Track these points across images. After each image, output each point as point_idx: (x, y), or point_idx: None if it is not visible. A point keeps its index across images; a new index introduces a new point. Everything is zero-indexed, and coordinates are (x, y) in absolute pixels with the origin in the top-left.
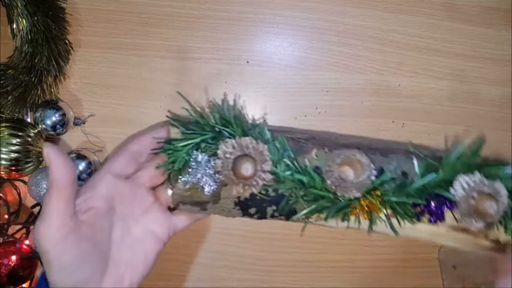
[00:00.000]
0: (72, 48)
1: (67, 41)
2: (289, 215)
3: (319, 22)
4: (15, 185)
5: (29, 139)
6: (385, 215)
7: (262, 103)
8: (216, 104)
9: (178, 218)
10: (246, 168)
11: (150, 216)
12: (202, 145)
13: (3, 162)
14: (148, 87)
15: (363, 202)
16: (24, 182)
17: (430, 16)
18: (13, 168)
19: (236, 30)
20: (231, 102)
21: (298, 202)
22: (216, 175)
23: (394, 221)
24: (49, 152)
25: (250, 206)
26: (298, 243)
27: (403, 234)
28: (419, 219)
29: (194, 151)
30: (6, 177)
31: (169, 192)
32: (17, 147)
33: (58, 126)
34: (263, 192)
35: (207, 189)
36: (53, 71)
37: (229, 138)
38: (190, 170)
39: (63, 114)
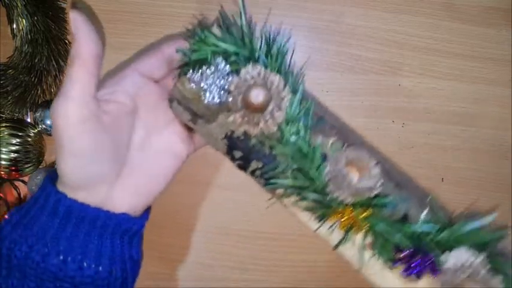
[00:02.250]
0: None
1: (67, 41)
2: (269, 182)
3: (319, 22)
4: (15, 185)
5: (29, 139)
6: (362, 240)
7: None
8: (267, 32)
9: (197, 137)
10: (257, 95)
11: (172, 130)
12: (232, 58)
13: (3, 162)
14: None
15: (347, 212)
16: (24, 182)
17: (430, 16)
18: (13, 168)
19: None
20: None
21: (286, 173)
22: (225, 92)
23: (367, 253)
24: (76, 18)
25: (238, 148)
26: (298, 243)
27: (366, 272)
28: (391, 267)
29: (220, 57)
30: (6, 177)
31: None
32: (17, 147)
33: None
34: (258, 142)
35: (208, 98)
36: (53, 71)
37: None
38: (205, 70)
39: None
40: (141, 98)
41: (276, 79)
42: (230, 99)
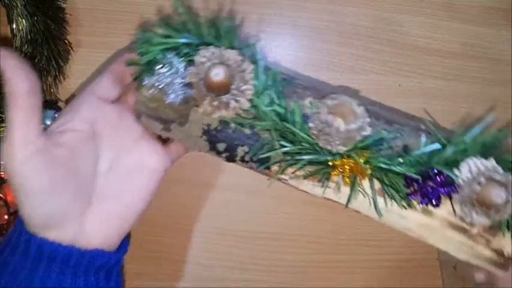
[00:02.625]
0: (72, 49)
1: (67, 41)
2: (261, 162)
3: (319, 22)
4: None
5: None
6: (370, 188)
7: None
8: (212, 14)
9: (172, 148)
10: (217, 73)
11: (143, 146)
12: (184, 51)
13: (2, 162)
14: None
15: (346, 162)
16: None
17: (430, 16)
18: None
19: None
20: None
21: (274, 146)
22: (187, 87)
23: (380, 200)
24: (4, 55)
25: (220, 140)
26: (298, 243)
27: (387, 219)
28: (409, 204)
29: (171, 53)
30: (6, 177)
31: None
32: None
33: None
34: (237, 125)
35: (171, 97)
36: (53, 71)
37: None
38: (159, 71)
39: None
40: (101, 121)
41: (232, 54)
42: (194, 91)
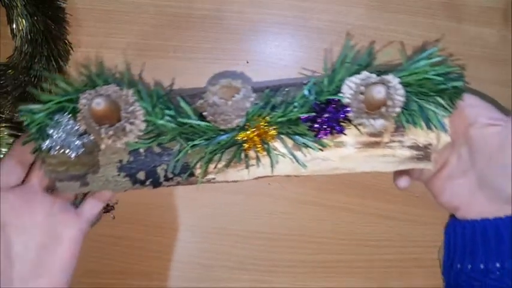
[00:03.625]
0: (71, 48)
1: (67, 41)
2: (184, 172)
3: (319, 22)
4: None
5: None
6: (284, 146)
7: None
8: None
9: (86, 207)
10: (98, 103)
11: (54, 219)
12: (69, 107)
13: None
14: (147, 87)
15: (250, 133)
16: None
17: (430, 16)
18: None
19: (236, 30)
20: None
21: (188, 154)
22: (82, 135)
23: (298, 153)
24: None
25: (137, 170)
26: (298, 243)
27: (313, 168)
28: (322, 144)
29: (57, 114)
30: None
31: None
32: None
33: None
34: (146, 149)
35: (74, 151)
36: (53, 71)
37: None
38: (52, 133)
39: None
40: (6, 210)
41: (109, 86)
42: (90, 135)
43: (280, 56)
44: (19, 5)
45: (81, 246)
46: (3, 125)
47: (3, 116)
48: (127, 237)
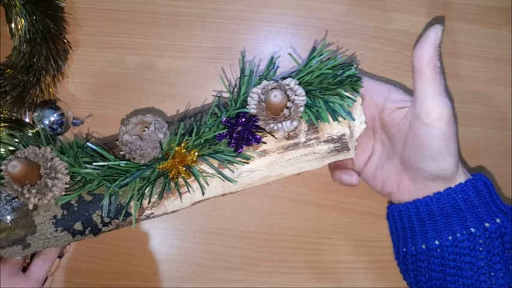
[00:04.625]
0: (70, 48)
1: (66, 41)
2: (120, 213)
3: (319, 22)
4: None
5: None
6: (210, 167)
7: None
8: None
9: (33, 269)
10: (13, 166)
11: (4, 285)
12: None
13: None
14: (147, 87)
15: (171, 161)
16: None
17: (430, 16)
18: None
19: (236, 30)
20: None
21: (119, 195)
22: (13, 200)
23: (225, 171)
24: None
25: (73, 222)
26: (298, 244)
27: (243, 182)
28: (245, 157)
29: None
30: None
31: None
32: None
33: (56, 126)
34: (77, 200)
35: (7, 216)
36: (52, 71)
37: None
38: None
39: (62, 114)
40: None
41: (27, 150)
42: (20, 199)
43: (280, 56)
44: (18, 4)
45: (81, 247)
46: (2, 125)
47: (2, 115)
48: (126, 238)
